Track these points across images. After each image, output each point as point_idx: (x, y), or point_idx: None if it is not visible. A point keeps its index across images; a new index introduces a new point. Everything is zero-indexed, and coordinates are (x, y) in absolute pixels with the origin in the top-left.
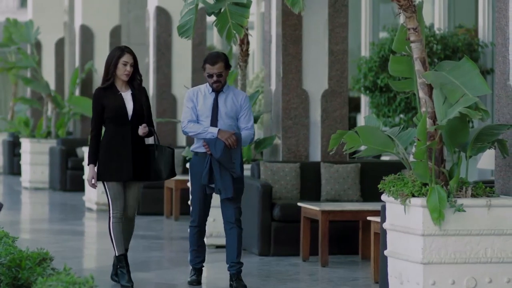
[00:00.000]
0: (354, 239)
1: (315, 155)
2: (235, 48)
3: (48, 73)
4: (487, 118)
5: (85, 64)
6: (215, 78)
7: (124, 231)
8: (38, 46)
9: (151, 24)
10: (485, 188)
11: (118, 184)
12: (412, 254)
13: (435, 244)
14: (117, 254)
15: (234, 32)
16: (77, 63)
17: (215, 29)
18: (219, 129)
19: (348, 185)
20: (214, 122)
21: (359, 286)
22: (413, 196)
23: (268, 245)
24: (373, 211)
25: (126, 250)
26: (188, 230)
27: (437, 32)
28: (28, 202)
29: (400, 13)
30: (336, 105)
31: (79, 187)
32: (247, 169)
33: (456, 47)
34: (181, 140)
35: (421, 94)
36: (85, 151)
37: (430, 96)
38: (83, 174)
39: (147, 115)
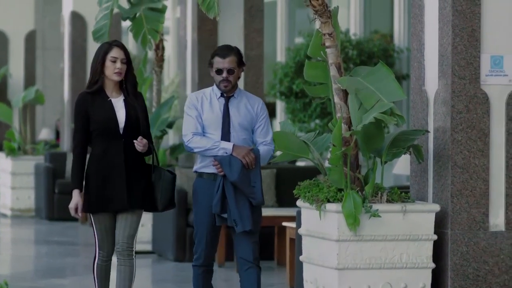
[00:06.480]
0: (269, 245)
1: None
2: (150, 54)
3: None
4: (402, 124)
5: (0, 69)
6: (224, 74)
7: (120, 277)
8: None
9: (66, 28)
10: (401, 194)
11: (107, 217)
12: (327, 259)
13: (350, 249)
14: None
15: (149, 37)
16: None
17: (130, 34)
18: (234, 145)
19: (263, 190)
20: (226, 136)
21: None
22: (328, 201)
23: (183, 251)
24: (289, 216)
25: None
26: (192, 270)
27: (352, 37)
28: None
29: (315, 18)
30: None
31: None
32: None
33: (371, 53)
34: None
35: (336, 99)
36: (1, 156)
37: (346, 101)
38: None
39: (144, 127)
